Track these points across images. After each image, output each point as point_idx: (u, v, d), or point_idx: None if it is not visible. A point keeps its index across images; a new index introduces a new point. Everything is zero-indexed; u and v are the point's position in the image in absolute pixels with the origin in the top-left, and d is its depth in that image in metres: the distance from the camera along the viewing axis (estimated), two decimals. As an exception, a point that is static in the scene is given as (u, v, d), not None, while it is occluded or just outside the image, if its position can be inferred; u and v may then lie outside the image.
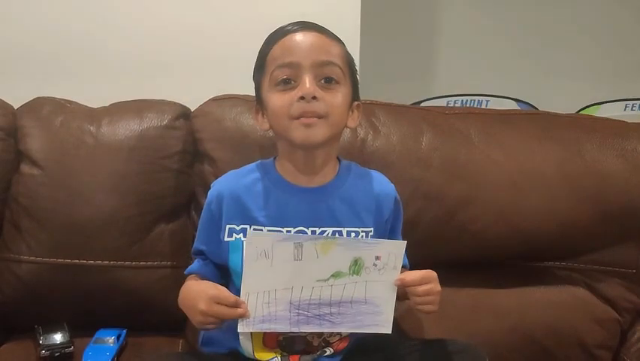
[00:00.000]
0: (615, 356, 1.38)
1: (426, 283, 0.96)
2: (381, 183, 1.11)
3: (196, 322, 0.97)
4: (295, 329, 0.96)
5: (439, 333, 1.21)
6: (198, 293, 0.96)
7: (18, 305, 1.28)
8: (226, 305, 0.93)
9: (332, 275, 0.94)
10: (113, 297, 1.28)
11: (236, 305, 0.93)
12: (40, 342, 1.19)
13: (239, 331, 0.95)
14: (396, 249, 0.95)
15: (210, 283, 1.01)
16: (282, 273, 0.93)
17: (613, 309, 1.37)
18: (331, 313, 0.95)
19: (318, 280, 0.94)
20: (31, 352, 1.21)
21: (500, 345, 1.28)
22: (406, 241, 0.97)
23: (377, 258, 0.94)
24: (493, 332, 1.30)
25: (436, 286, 0.97)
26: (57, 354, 1.19)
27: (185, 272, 1.11)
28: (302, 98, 0.96)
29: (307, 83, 0.96)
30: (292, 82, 0.98)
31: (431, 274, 0.97)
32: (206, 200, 1.08)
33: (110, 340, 1.22)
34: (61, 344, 1.20)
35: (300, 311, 0.94)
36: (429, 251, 1.29)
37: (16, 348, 1.25)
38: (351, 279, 0.94)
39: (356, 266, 0.94)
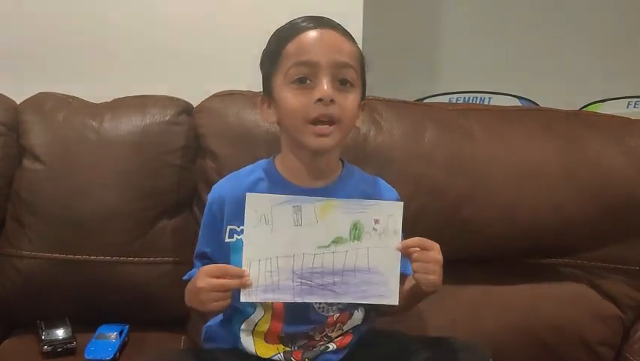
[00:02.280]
0: (618, 354, 1.38)
1: (428, 250, 0.95)
2: (384, 190, 1.10)
3: (204, 302, 0.95)
4: (299, 299, 0.95)
5: (442, 329, 1.22)
6: (195, 277, 0.97)
7: (20, 300, 1.28)
8: (219, 277, 0.93)
9: (333, 241, 0.94)
10: (115, 293, 1.28)
11: (225, 272, 0.93)
12: (43, 337, 1.20)
13: (241, 301, 0.94)
14: (394, 210, 0.96)
15: None
16: (283, 239, 0.94)
17: (616, 306, 1.37)
18: (334, 283, 0.95)
19: (319, 247, 0.94)
20: (34, 347, 1.21)
21: (502, 342, 1.28)
22: (402, 203, 0.97)
23: (376, 221, 0.95)
24: (496, 329, 1.30)
25: (437, 254, 0.96)
26: (59, 349, 1.19)
27: (183, 278, 1.08)
28: (319, 100, 0.95)
29: (325, 85, 0.95)
30: (308, 81, 0.96)
31: (434, 243, 0.96)
32: (208, 202, 1.08)
33: (113, 335, 1.22)
34: (63, 339, 1.20)
35: (304, 280, 0.94)
36: (431, 247, 1.29)
37: (18, 343, 1.25)
38: (352, 245, 0.95)
39: (356, 231, 0.95)
